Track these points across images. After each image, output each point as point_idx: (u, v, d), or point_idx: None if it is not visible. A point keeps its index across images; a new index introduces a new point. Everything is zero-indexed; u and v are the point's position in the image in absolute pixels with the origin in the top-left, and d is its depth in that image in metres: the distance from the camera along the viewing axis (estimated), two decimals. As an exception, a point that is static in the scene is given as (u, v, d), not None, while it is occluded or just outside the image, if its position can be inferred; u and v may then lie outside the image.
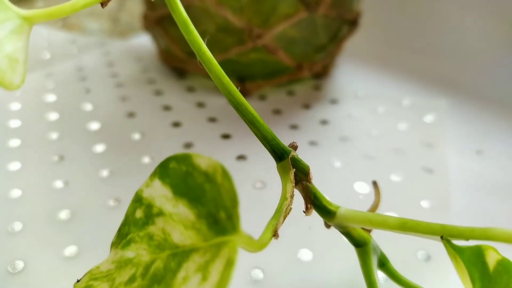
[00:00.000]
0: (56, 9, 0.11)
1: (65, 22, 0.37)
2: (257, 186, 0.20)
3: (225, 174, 0.10)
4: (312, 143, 0.23)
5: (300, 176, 0.15)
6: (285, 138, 0.23)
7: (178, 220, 0.11)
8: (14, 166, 0.21)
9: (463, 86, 0.29)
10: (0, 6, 0.11)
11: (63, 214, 0.19)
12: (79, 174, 0.21)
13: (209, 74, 0.15)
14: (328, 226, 0.16)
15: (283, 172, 0.15)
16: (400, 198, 0.20)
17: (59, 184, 0.20)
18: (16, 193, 0.20)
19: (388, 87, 0.29)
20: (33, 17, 0.11)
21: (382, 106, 0.27)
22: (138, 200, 0.12)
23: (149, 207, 0.11)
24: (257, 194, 0.20)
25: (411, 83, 0.30)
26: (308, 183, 0.15)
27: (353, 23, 0.27)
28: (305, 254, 0.17)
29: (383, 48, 0.32)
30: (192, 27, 0.15)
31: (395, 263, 0.15)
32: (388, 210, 0.19)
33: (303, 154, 0.22)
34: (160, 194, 0.11)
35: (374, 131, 0.25)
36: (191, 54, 0.27)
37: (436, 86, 0.29)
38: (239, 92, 0.14)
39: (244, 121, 0.15)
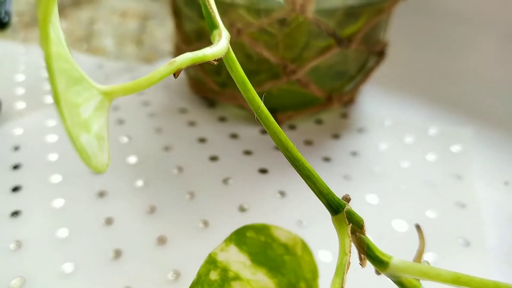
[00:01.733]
0: (134, 83, 0.12)
1: (90, 44, 0.37)
2: (302, 223, 0.21)
3: (305, 247, 0.11)
4: (345, 177, 0.24)
5: (354, 228, 0.15)
6: (320, 172, 0.24)
7: (256, 287, 0.11)
8: (58, 202, 0.22)
9: (488, 114, 0.30)
10: (85, 85, 0.11)
11: (111, 254, 0.19)
12: (122, 210, 0.21)
13: (267, 131, 0.15)
14: (378, 273, 0.17)
15: (338, 225, 0.15)
16: (437, 236, 0.21)
17: (101, 220, 0.21)
18: (63, 232, 0.20)
19: (413, 114, 0.30)
20: (113, 92, 0.12)
21: (409, 135, 0.28)
22: (212, 262, 0.12)
23: (224, 270, 0.12)
24: (299, 232, 0.20)
25: (436, 110, 0.30)
26: (362, 235, 0.15)
27: (380, 53, 0.28)
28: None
29: (406, 74, 0.33)
30: (250, 85, 0.15)
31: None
32: (427, 250, 0.20)
33: (338, 188, 0.23)
34: (236, 260, 0.12)
35: (404, 163, 0.25)
36: (222, 84, 0.27)
37: (461, 113, 0.30)
38: (297, 149, 0.15)
39: (301, 175, 0.15)
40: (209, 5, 0.15)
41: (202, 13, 0.26)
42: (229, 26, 0.24)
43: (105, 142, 0.11)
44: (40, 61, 0.35)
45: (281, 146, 0.15)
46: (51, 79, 0.09)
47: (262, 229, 0.11)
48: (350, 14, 0.24)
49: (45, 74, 0.33)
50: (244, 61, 0.25)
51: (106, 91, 0.12)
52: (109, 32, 0.39)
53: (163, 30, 0.40)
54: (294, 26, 0.24)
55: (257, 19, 0.23)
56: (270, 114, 0.15)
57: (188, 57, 0.13)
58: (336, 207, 0.15)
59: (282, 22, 0.23)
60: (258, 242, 0.11)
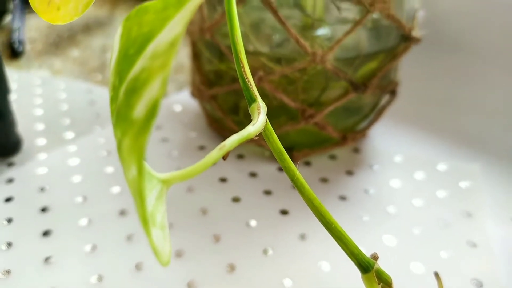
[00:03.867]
0: (189, 170, 0.13)
1: (104, 75, 0.38)
2: (322, 268, 0.22)
3: None
4: (362, 217, 0.25)
5: (383, 287, 0.16)
6: (337, 212, 0.25)
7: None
8: (88, 247, 0.22)
9: (495, 148, 0.31)
10: (148, 177, 0.12)
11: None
12: (150, 254, 0.22)
13: (301, 196, 0.16)
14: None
15: (369, 283, 0.16)
16: (451, 277, 0.22)
17: (131, 265, 0.22)
18: (94, 278, 0.21)
19: (421, 148, 0.31)
20: (171, 179, 0.13)
21: (419, 171, 0.29)
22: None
23: None
24: (321, 276, 0.21)
25: (444, 143, 0.31)
26: (390, 292, 0.16)
27: (392, 92, 0.29)
28: None
29: (413, 107, 0.34)
30: (286, 155, 0.16)
31: None
32: (445, 295, 0.21)
33: (356, 229, 0.24)
34: None
35: (416, 200, 0.26)
36: (240, 123, 0.28)
37: (469, 147, 0.31)
38: (329, 213, 0.16)
39: (333, 237, 0.16)
40: (247, 78, 0.16)
41: (221, 56, 0.27)
42: (251, 73, 0.25)
43: (166, 230, 0.12)
44: (57, 94, 0.35)
45: (315, 211, 0.16)
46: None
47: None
48: (366, 59, 0.26)
49: (62, 108, 0.34)
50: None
51: (164, 179, 0.13)
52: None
53: (175, 58, 0.41)
54: (313, 73, 0.25)
55: (279, 67, 0.24)
56: (305, 182, 0.16)
57: (235, 139, 0.14)
58: (366, 266, 0.16)
59: (302, 70, 0.24)
60: None
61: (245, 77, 0.16)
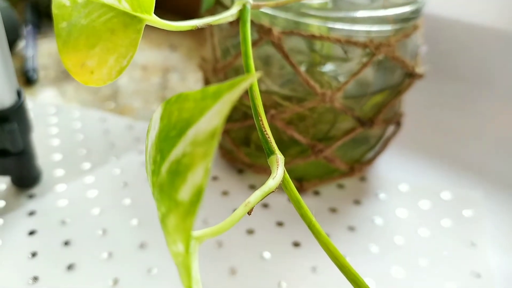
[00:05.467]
0: (219, 227, 0.14)
1: (117, 103, 0.39)
2: (333, 300, 0.23)
3: None
4: (370, 249, 0.26)
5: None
6: (345, 243, 0.26)
7: None
8: (111, 281, 0.24)
9: (497, 175, 0.32)
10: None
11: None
12: (170, 287, 0.23)
13: (318, 241, 0.17)
14: None
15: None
16: (457, 309, 0.23)
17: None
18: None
19: (425, 176, 0.32)
20: (203, 236, 0.14)
21: (424, 200, 0.30)
22: None
23: None
24: (334, 308, 0.23)
25: (447, 171, 0.33)
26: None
27: (397, 124, 0.30)
28: None
29: (417, 135, 0.35)
30: (303, 203, 0.17)
31: None
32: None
33: (365, 261, 0.25)
34: None
35: (422, 231, 0.28)
36: (251, 155, 0.29)
37: (471, 175, 0.32)
38: (343, 257, 0.17)
39: (347, 279, 0.18)
40: (266, 132, 0.18)
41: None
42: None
43: (200, 284, 0.13)
44: (72, 123, 0.36)
45: (331, 256, 0.17)
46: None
47: None
48: (372, 95, 0.27)
49: (78, 138, 0.35)
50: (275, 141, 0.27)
51: (197, 236, 0.14)
52: (133, 88, 0.41)
53: (184, 84, 0.42)
54: (322, 111, 0.26)
55: (290, 105, 0.26)
56: (321, 229, 0.17)
57: (258, 195, 0.15)
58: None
59: (312, 108, 0.26)
60: None
61: (263, 130, 0.18)
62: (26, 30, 0.49)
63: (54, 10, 0.17)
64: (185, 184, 0.10)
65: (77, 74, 0.17)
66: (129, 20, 0.16)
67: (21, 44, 0.47)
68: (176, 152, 0.11)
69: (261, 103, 0.18)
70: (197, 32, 0.48)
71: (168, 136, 0.12)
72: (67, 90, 0.41)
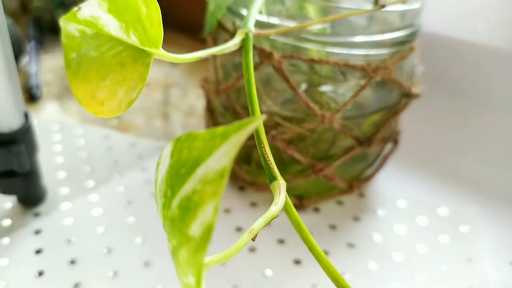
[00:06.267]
0: (225, 254, 0.15)
1: (120, 120, 0.40)
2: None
3: None
4: (369, 267, 0.27)
5: None
6: (345, 261, 0.27)
7: None
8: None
9: (492, 190, 0.33)
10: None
11: None
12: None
13: (321, 266, 0.18)
14: None
15: None
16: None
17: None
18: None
19: (423, 192, 0.33)
20: (210, 263, 0.14)
21: (421, 216, 0.31)
22: None
23: None
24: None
25: (443, 187, 0.33)
26: None
27: (395, 142, 0.31)
28: None
29: (413, 151, 0.36)
30: (304, 227, 0.18)
31: None
32: None
33: (365, 280, 0.26)
34: None
35: (419, 247, 0.28)
36: (252, 173, 0.30)
37: (467, 190, 0.33)
38: (345, 281, 0.18)
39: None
40: (268, 158, 0.18)
41: (235, 114, 0.29)
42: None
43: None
44: (76, 140, 0.37)
45: (332, 279, 0.18)
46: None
47: None
48: (370, 115, 0.28)
49: (82, 155, 0.35)
50: (275, 160, 0.28)
51: (205, 263, 0.14)
52: (135, 104, 0.42)
53: (186, 101, 0.43)
54: (322, 131, 0.27)
55: (290, 125, 0.26)
56: (325, 255, 0.18)
57: (262, 222, 0.16)
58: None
59: (312, 128, 0.26)
60: None
61: (266, 156, 0.18)
62: (29, 46, 0.49)
63: (64, 40, 0.18)
64: (196, 220, 0.11)
65: (88, 105, 0.18)
66: (138, 54, 0.17)
67: (24, 60, 0.48)
68: (186, 189, 0.12)
69: (263, 130, 0.19)
70: (198, 49, 0.49)
71: (179, 172, 0.12)
72: (70, 106, 0.42)
